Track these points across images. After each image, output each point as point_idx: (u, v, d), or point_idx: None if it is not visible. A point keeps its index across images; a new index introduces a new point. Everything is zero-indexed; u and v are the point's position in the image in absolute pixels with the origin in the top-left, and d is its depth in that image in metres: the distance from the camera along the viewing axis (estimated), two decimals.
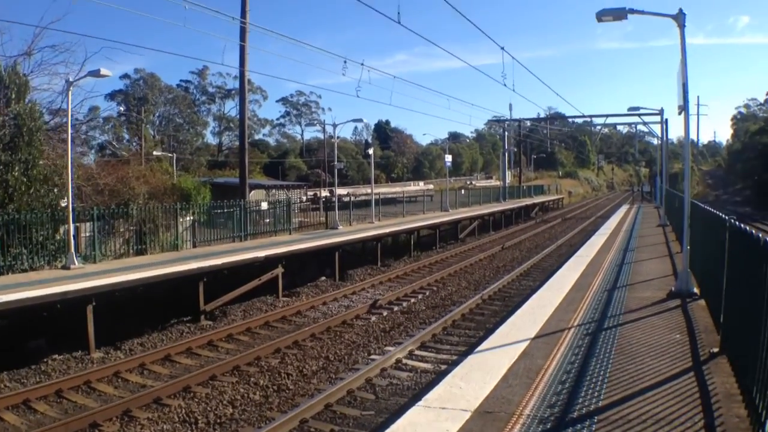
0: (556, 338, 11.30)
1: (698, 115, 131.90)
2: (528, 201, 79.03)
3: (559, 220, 68.89)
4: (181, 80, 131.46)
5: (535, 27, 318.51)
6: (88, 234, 24.82)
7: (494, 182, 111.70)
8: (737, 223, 9.07)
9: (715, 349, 9.91)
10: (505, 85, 35.52)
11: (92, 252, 24.31)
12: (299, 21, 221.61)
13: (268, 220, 35.47)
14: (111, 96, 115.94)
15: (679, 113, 15.30)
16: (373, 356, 17.56)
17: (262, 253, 25.67)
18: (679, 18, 14.75)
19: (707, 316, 12.48)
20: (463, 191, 67.44)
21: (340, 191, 66.04)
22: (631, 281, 18.15)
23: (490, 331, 14.80)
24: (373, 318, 22.30)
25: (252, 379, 15.69)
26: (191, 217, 29.82)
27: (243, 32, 34.36)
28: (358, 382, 14.77)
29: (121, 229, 26.72)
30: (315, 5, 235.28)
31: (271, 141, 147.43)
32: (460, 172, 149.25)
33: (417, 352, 17.56)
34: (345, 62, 30.42)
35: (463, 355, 13.68)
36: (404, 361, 16.72)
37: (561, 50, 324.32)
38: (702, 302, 14.01)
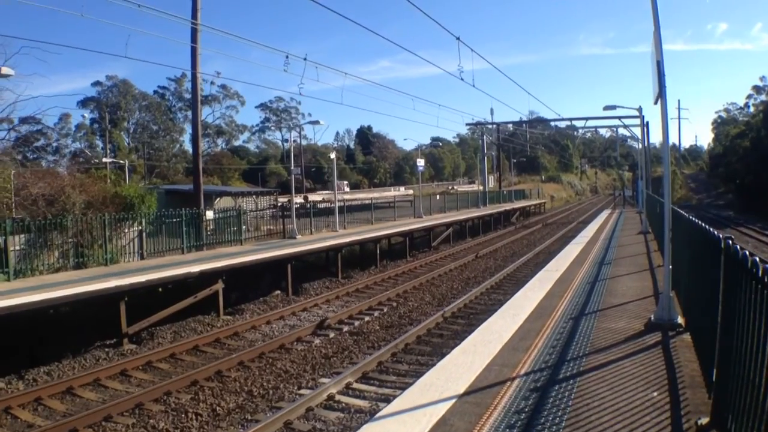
0: (492, 396, 8.42)
1: (679, 119, 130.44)
2: (508, 206, 76.66)
3: (539, 225, 66.35)
4: (158, 86, 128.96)
5: (516, 33, 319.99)
6: (18, 248, 22.65)
7: (476, 187, 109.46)
8: (737, 247, 6.33)
9: (704, 420, 6.99)
10: (462, 79, 32.70)
11: (22, 266, 22.52)
12: (282, 30, 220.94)
13: (234, 229, 33.28)
14: (82, 103, 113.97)
15: (655, 102, 12.42)
16: (302, 390, 14.97)
17: (196, 268, 22.99)
18: None
19: (694, 360, 9.56)
20: (438, 196, 64.90)
21: (316, 197, 63.77)
22: (603, 305, 15.05)
23: (405, 386, 12.01)
24: (317, 341, 19.67)
25: (152, 420, 13.22)
26: (137, 228, 27.26)
27: (194, 33, 32.27)
28: (274, 427, 12.26)
29: (57, 242, 24.35)
30: (298, 14, 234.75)
31: (252, 147, 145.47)
32: (442, 177, 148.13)
33: (355, 386, 14.96)
34: (287, 57, 27.67)
35: (361, 424, 10.87)
36: (338, 397, 14.14)
37: (542, 56, 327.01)
38: (687, 338, 11.08)
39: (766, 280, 4.85)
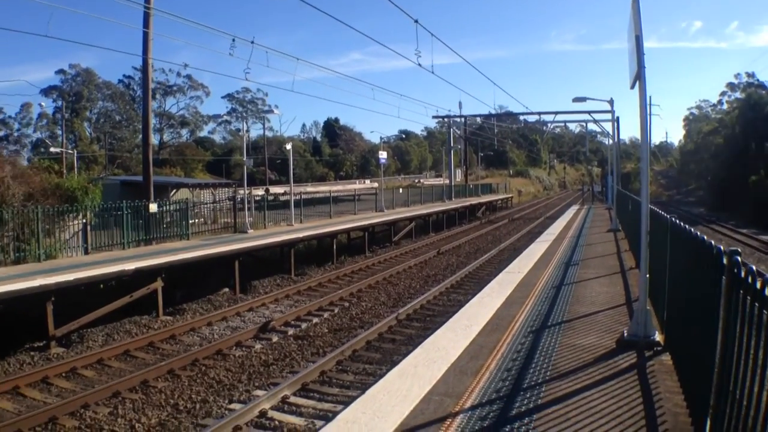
0: None
1: (650, 114, 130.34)
2: (474, 200, 75.23)
3: (506, 220, 64.94)
4: (123, 75, 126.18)
5: (487, 29, 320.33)
6: None
7: (443, 181, 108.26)
8: (752, 269, 4.63)
9: None
10: (419, 65, 31.10)
11: None
12: (252, 22, 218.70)
13: (187, 222, 31.91)
14: (45, 92, 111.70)
15: (632, 86, 10.75)
16: (233, 404, 13.37)
17: (131, 265, 21.20)
18: None
19: (677, 391, 7.79)
20: (401, 190, 63.32)
21: (278, 190, 62.02)
22: (569, 315, 13.00)
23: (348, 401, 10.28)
24: (258, 345, 18.08)
25: None
26: (80, 221, 25.62)
27: (147, 18, 30.96)
28: None
29: None
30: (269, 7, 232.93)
31: (218, 138, 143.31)
32: (408, 170, 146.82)
33: (292, 399, 13.38)
34: (233, 40, 26.07)
35: None
36: (270, 413, 12.60)
37: (514, 52, 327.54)
38: (667, 360, 9.28)
39: None
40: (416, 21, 27.53)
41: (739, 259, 5.01)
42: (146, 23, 31.08)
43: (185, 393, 14.24)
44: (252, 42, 26.41)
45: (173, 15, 32.20)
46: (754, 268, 4.53)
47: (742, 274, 4.72)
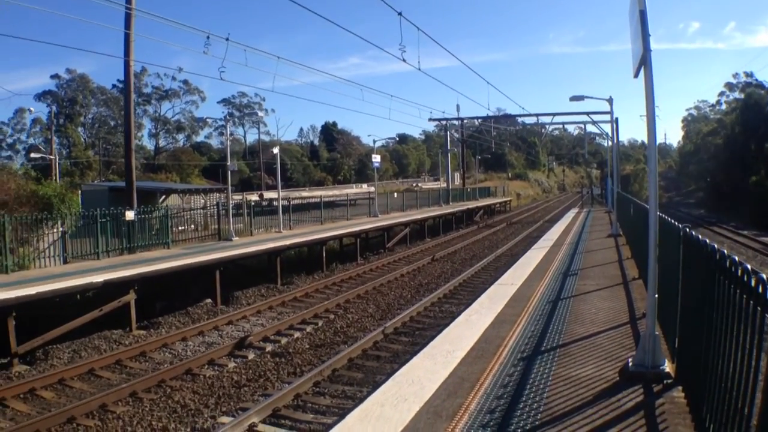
0: None
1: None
2: (472, 204, 74.13)
3: (503, 224, 63.78)
4: (117, 80, 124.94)
5: (485, 32, 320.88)
6: None
7: (441, 184, 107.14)
8: None
9: None
10: (404, 60, 29.58)
11: None
12: (258, 27, 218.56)
13: (181, 229, 31.90)
14: (39, 97, 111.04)
15: (636, 74, 9.21)
16: None
17: (99, 278, 19.88)
18: None
19: None
20: (395, 194, 62.13)
21: (273, 195, 60.79)
22: (566, 337, 11.25)
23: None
24: (231, 364, 16.87)
25: None
26: (59, 229, 24.70)
27: (128, 19, 30.02)
28: None
29: None
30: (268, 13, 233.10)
31: (215, 143, 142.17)
32: (407, 174, 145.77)
33: (260, 428, 12.06)
34: (208, 37, 24.80)
35: None
36: None
37: (512, 54, 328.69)
38: (680, 397, 7.64)
39: None
40: (400, 13, 26.30)
41: None
42: (128, 24, 30.20)
43: (145, 419, 13.00)
44: (227, 39, 25.19)
45: (157, 16, 30.93)
46: None
47: None
